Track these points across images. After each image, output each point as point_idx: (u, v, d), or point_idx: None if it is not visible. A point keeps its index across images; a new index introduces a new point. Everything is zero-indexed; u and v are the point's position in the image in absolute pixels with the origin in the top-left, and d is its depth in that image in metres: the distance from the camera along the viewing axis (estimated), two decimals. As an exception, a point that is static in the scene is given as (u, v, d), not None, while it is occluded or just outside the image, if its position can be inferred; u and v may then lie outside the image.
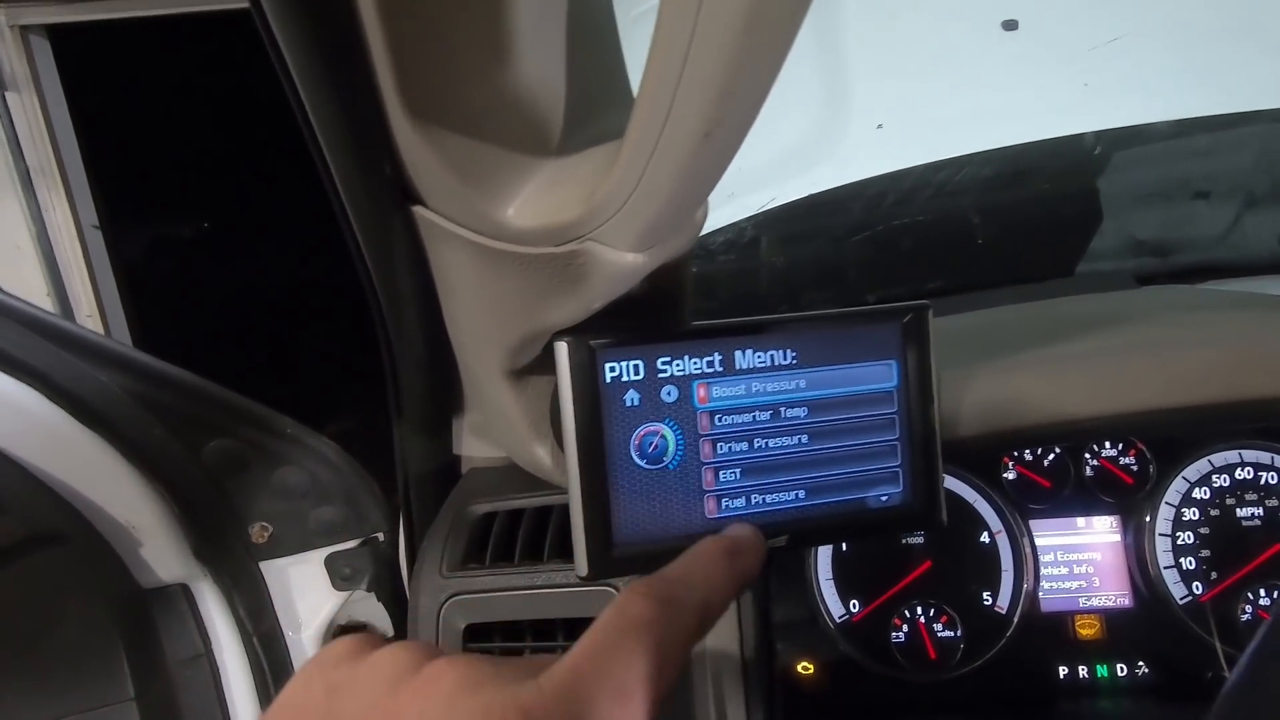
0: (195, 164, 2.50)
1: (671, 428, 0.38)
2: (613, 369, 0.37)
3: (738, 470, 0.39)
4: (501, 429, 0.54)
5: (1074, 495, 0.59)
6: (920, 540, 0.58)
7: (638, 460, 0.38)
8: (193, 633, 0.62)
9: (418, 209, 0.40)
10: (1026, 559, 0.57)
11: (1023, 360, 0.55)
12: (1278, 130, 1.06)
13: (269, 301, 2.55)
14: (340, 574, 0.65)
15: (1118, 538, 0.58)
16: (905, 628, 0.56)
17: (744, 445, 0.39)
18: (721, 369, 0.39)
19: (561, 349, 0.37)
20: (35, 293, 1.98)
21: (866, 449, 0.41)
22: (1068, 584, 0.58)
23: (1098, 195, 1.05)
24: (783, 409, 0.40)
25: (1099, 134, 1.06)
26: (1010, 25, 1.24)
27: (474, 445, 0.62)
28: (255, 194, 2.52)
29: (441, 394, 0.56)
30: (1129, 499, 0.58)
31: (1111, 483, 0.59)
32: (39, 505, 0.53)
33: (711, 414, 0.39)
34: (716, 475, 0.39)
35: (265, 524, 0.64)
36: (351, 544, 0.65)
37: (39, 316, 0.53)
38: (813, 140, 1.22)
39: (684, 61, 0.23)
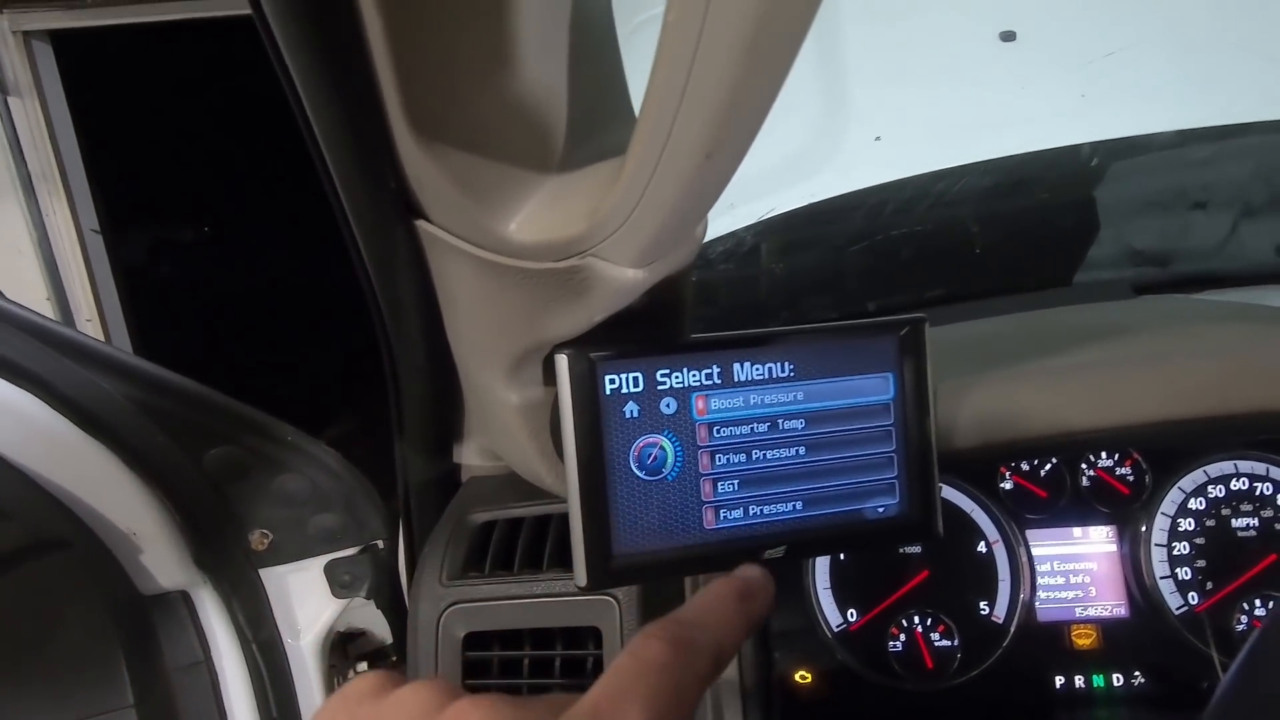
0: (196, 169, 2.51)
1: (670, 439, 0.39)
2: (613, 381, 0.38)
3: (736, 481, 0.40)
4: (502, 439, 0.55)
5: (1070, 505, 0.59)
6: (918, 550, 0.58)
7: (637, 471, 0.38)
8: (192, 639, 0.62)
9: (420, 223, 0.40)
10: (1023, 569, 0.57)
11: (1020, 372, 0.55)
12: (1275, 141, 1.07)
13: (268, 307, 2.55)
14: (340, 581, 0.65)
15: (1114, 548, 0.58)
16: (903, 637, 0.57)
17: (742, 457, 0.40)
18: (720, 381, 0.39)
19: (562, 361, 0.37)
20: (35, 297, 1.99)
21: (863, 461, 0.41)
22: (1064, 594, 0.58)
23: (1096, 205, 1.05)
24: (780, 421, 0.40)
25: (1097, 144, 1.07)
26: (1008, 36, 1.24)
27: (474, 454, 0.62)
28: (255, 199, 2.52)
29: (442, 403, 0.57)
30: (1125, 509, 0.59)
31: (1108, 493, 0.59)
32: (40, 511, 0.54)
33: (710, 426, 0.39)
34: (715, 486, 0.39)
35: (265, 531, 0.64)
36: (351, 551, 0.65)
37: (42, 324, 0.54)
38: (812, 149, 1.23)
39: (685, 84, 0.23)
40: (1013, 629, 0.56)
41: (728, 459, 0.39)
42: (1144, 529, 0.57)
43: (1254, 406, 0.52)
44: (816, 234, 1.12)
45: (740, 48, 0.22)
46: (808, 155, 1.22)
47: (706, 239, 0.38)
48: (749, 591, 0.34)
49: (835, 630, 0.57)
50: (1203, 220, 1.05)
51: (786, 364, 0.40)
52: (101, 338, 2.07)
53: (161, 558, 0.59)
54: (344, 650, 0.69)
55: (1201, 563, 0.56)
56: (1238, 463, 0.58)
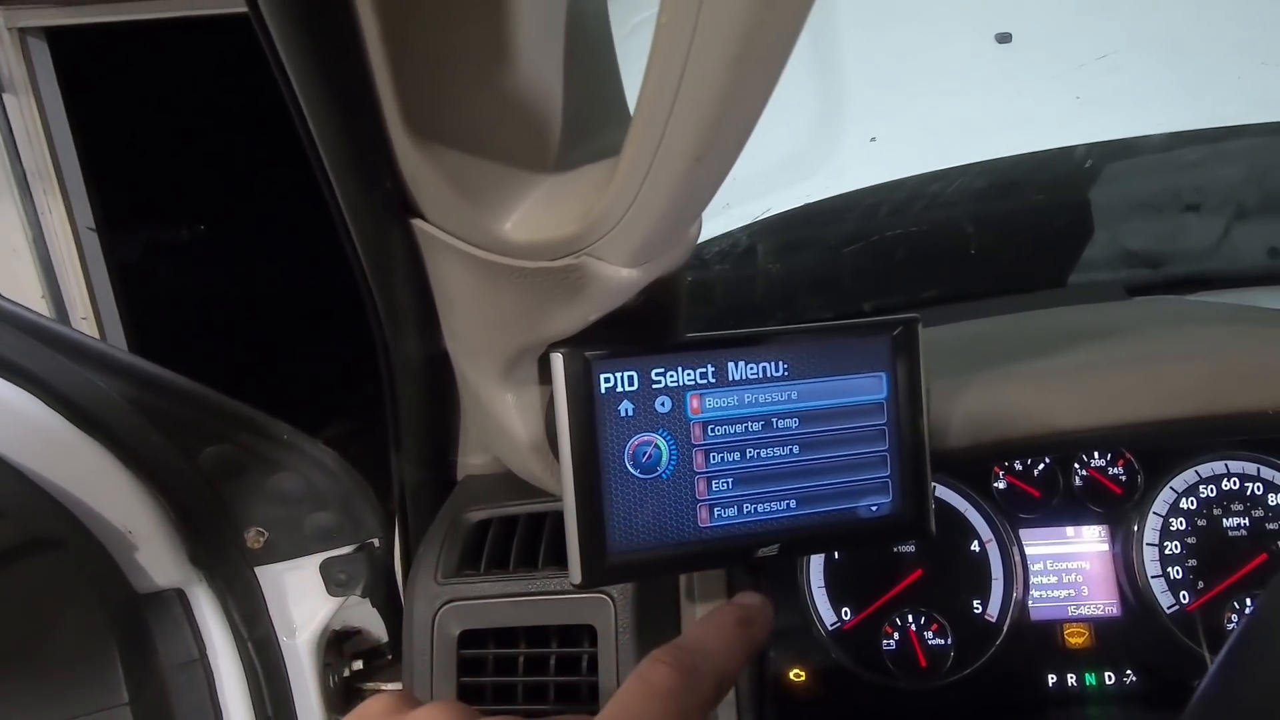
0: (192, 167, 2.51)
1: (665, 438, 0.39)
2: (607, 380, 0.38)
3: (730, 480, 0.40)
4: (497, 437, 0.55)
5: (1063, 505, 0.59)
6: (911, 549, 0.58)
7: (631, 470, 0.38)
8: (187, 638, 0.62)
9: (417, 222, 0.40)
10: (1016, 568, 0.58)
11: (1013, 372, 0.56)
12: (1267, 144, 1.08)
13: (264, 305, 2.55)
14: (335, 580, 0.65)
15: (1106, 547, 0.59)
16: (896, 635, 0.57)
17: (736, 455, 0.40)
18: (714, 380, 0.39)
19: (557, 360, 0.37)
20: (31, 295, 1.98)
21: (857, 459, 0.42)
22: (1057, 593, 0.58)
23: (1089, 207, 1.06)
24: (774, 420, 0.40)
25: (1091, 146, 1.07)
26: (1004, 38, 1.25)
27: (470, 453, 0.62)
28: (251, 197, 2.52)
29: (438, 403, 0.57)
30: (1117, 509, 0.59)
31: (1100, 493, 0.59)
32: (35, 509, 0.54)
33: (704, 424, 0.39)
34: (709, 485, 0.40)
35: (261, 529, 0.64)
36: (347, 550, 0.65)
37: (37, 321, 0.54)
38: (808, 150, 1.23)
39: (677, 88, 0.24)
40: (1006, 628, 0.57)
41: (722, 458, 0.40)
42: (1136, 528, 0.58)
43: (1242, 407, 0.52)
44: (812, 235, 1.12)
45: (730, 54, 0.22)
46: (803, 156, 1.22)
47: (702, 239, 0.39)
48: (749, 618, 0.35)
49: (829, 629, 0.57)
50: (1196, 222, 1.05)
51: (781, 363, 0.40)
52: (97, 336, 2.06)
53: (157, 555, 0.59)
54: (339, 648, 0.69)
55: (1193, 562, 0.57)
56: (1229, 463, 0.58)
